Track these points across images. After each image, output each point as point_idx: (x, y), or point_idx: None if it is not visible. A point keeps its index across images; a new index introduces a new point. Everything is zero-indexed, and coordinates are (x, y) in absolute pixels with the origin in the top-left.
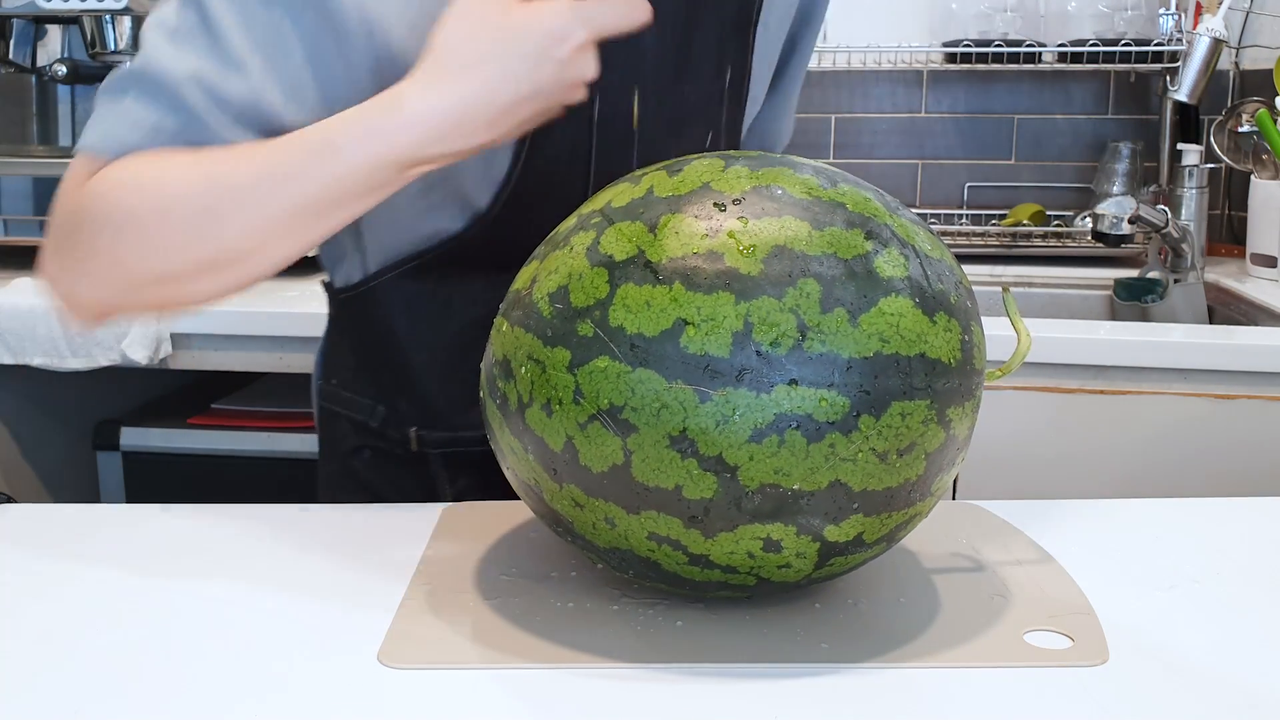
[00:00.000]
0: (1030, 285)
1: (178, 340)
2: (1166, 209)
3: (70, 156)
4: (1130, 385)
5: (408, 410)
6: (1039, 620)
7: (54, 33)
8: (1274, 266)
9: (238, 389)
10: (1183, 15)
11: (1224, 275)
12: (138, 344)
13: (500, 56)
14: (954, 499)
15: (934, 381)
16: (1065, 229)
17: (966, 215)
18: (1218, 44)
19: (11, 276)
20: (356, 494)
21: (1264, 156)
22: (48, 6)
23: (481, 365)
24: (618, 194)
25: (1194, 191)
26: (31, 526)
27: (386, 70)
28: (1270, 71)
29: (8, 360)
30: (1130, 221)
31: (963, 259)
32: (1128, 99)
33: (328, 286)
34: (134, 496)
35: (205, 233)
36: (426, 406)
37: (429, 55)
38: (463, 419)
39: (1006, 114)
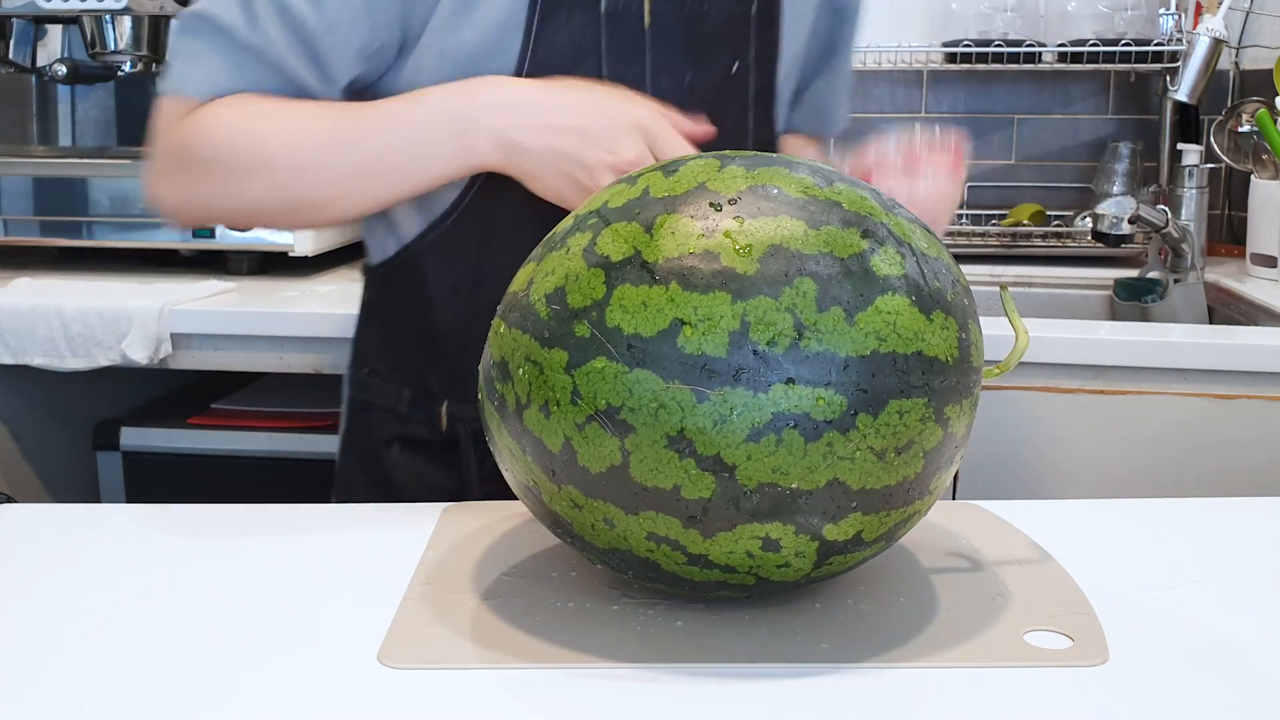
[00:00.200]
0: (1030, 285)
1: (178, 340)
2: (1166, 209)
3: (69, 156)
4: (1130, 385)
5: (439, 387)
6: (1039, 620)
7: (54, 33)
8: (1274, 266)
9: (238, 389)
10: (1183, 15)
11: (1224, 275)
12: (138, 344)
13: (584, 93)
14: (954, 499)
15: (931, 380)
16: (1065, 229)
17: (966, 215)
18: (1218, 44)
19: (11, 276)
20: (375, 492)
21: (1264, 156)
22: (48, 6)
23: (479, 367)
24: (614, 195)
25: (1194, 191)
26: (31, 526)
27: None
28: (1270, 71)
29: (8, 360)
30: (1130, 221)
31: (962, 259)
32: (1128, 99)
33: (365, 268)
34: (134, 496)
35: (293, 181)
36: (457, 381)
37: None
38: None
39: (1006, 114)
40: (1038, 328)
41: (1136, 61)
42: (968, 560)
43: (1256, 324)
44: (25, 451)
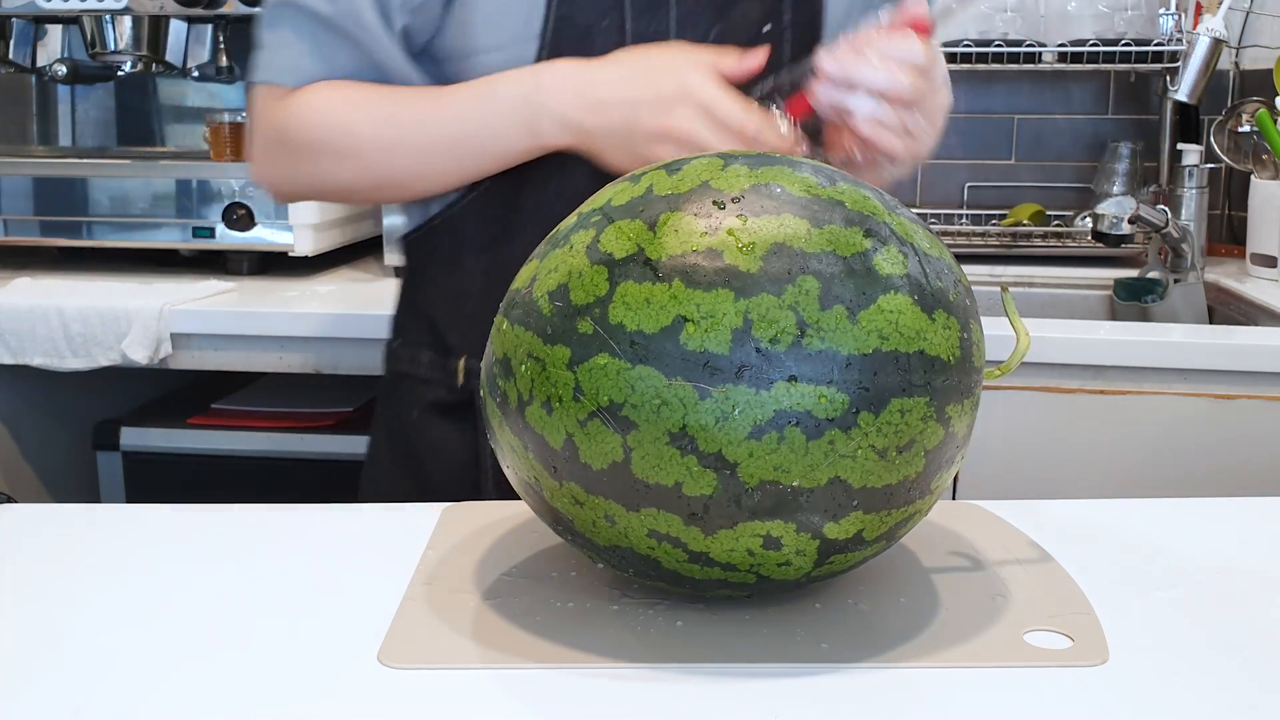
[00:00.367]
0: (1030, 285)
1: (178, 340)
2: (1166, 209)
3: (69, 156)
4: (1130, 385)
5: (457, 342)
6: (1039, 620)
7: (54, 33)
8: (1274, 266)
9: (238, 389)
10: (1183, 15)
11: (1224, 275)
12: (138, 344)
13: (632, 63)
14: (954, 498)
15: (933, 379)
16: (1065, 229)
17: (966, 215)
18: (1218, 44)
19: (11, 276)
20: (397, 464)
21: (1264, 156)
22: (48, 6)
23: (481, 364)
24: (618, 193)
25: (1194, 191)
26: (31, 526)
27: None
28: (1270, 71)
29: (8, 360)
30: (1130, 221)
31: (963, 259)
32: (1128, 99)
33: (402, 239)
34: (134, 496)
35: (380, 161)
36: (475, 335)
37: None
38: None
39: (1006, 114)
40: (1038, 328)
41: (1136, 61)
42: (968, 560)
43: (1256, 324)
44: (25, 451)
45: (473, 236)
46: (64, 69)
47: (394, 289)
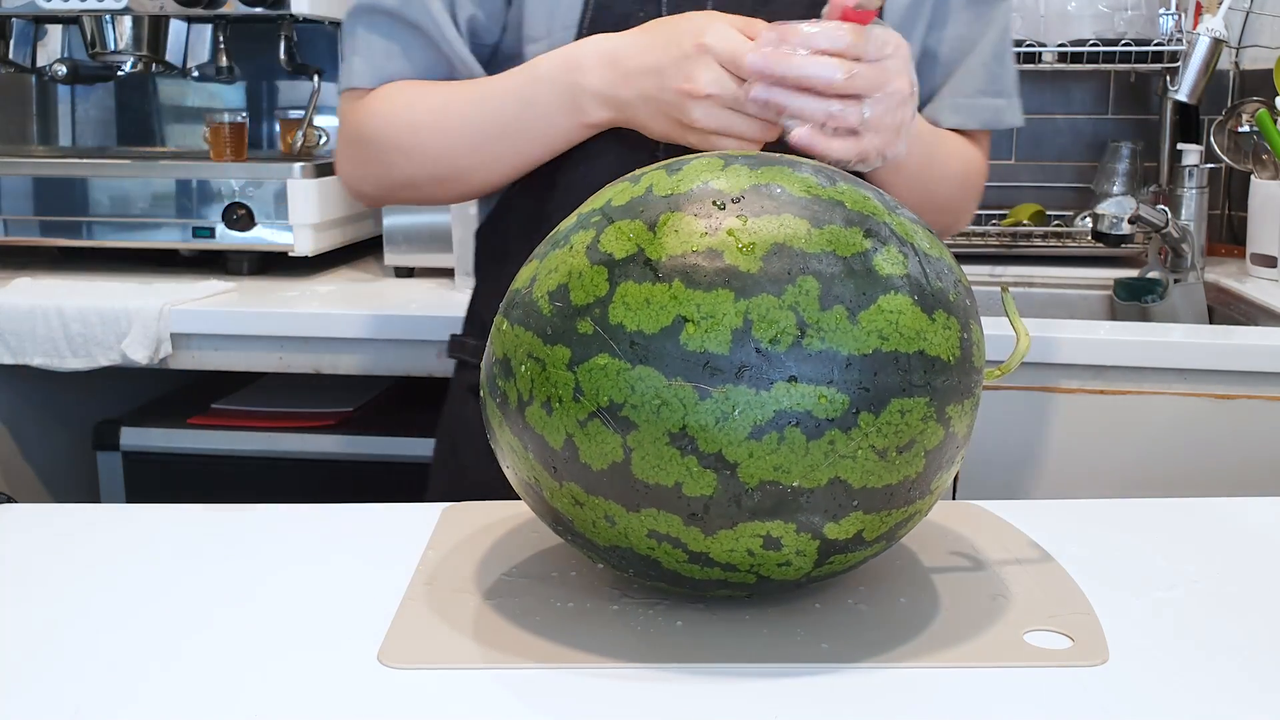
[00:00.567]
0: (1030, 285)
1: (178, 340)
2: (1166, 209)
3: (69, 156)
4: (1130, 385)
5: None
6: (1039, 620)
7: (54, 33)
8: (1274, 266)
9: (238, 389)
10: (1183, 15)
11: (1224, 275)
12: (138, 344)
13: (656, 29)
14: (954, 499)
15: (933, 379)
16: (1065, 229)
17: None
18: (1218, 44)
19: (11, 276)
20: (450, 454)
21: (1264, 156)
22: (48, 6)
23: (481, 364)
24: (617, 193)
25: (1194, 191)
26: (31, 526)
27: None
28: (1270, 71)
29: (8, 360)
30: (1130, 221)
31: (963, 259)
32: (1128, 99)
33: (477, 234)
34: (134, 496)
35: (438, 153)
36: None
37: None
38: None
39: None
40: (1038, 328)
41: (1136, 61)
42: (968, 560)
43: (1256, 324)
44: (25, 451)
45: (516, 228)
46: (64, 69)
47: (394, 289)
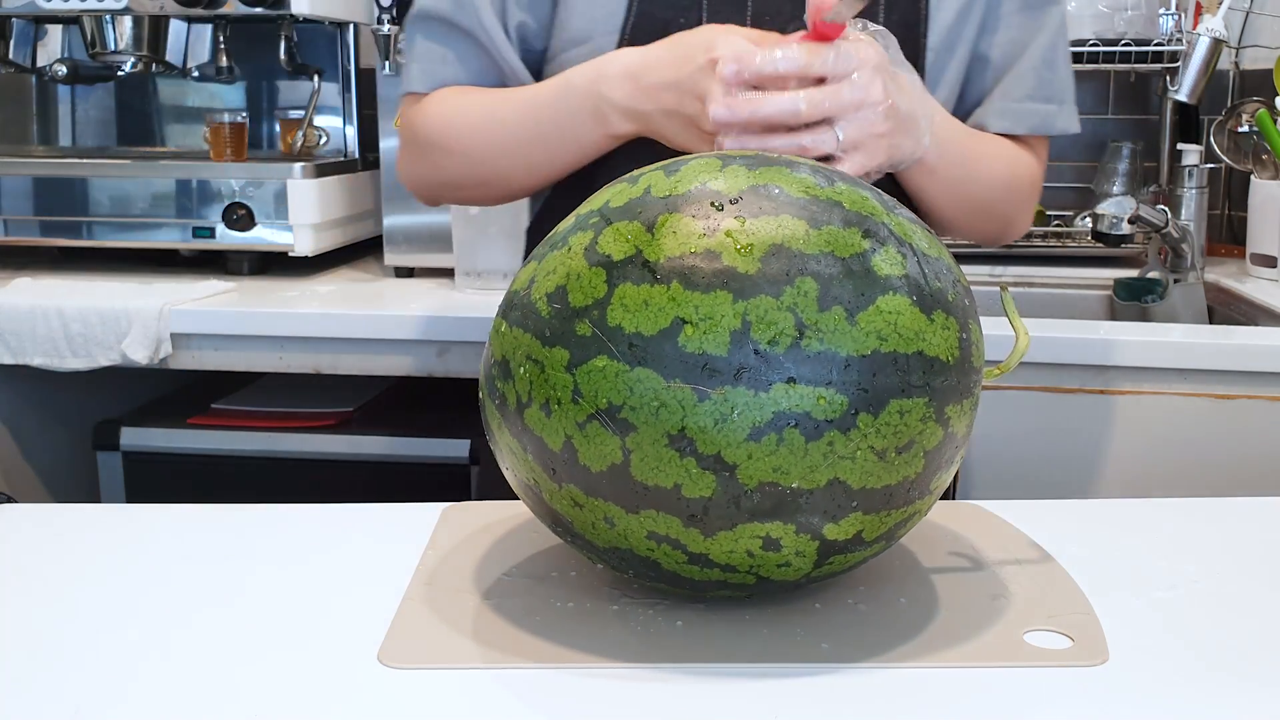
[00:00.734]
0: (1030, 285)
1: (178, 340)
2: (1166, 209)
3: (69, 156)
4: (1130, 385)
5: None
6: (1039, 620)
7: (54, 33)
8: (1274, 266)
9: (238, 389)
10: (1183, 15)
11: (1224, 275)
12: (138, 344)
13: (675, 44)
14: (954, 499)
15: (932, 379)
16: (1065, 229)
17: None
18: (1218, 44)
19: (11, 276)
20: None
21: (1264, 156)
22: (48, 6)
23: (480, 366)
24: (615, 194)
25: (1194, 191)
26: (31, 526)
27: None
28: (1270, 71)
29: (8, 360)
30: (1130, 221)
31: (962, 259)
32: (1128, 99)
33: (527, 232)
34: (134, 496)
35: (482, 157)
36: None
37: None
38: None
39: None
40: (1038, 328)
41: (1136, 61)
42: (968, 560)
43: (1256, 324)
44: (25, 451)
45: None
46: (64, 69)
47: (394, 289)
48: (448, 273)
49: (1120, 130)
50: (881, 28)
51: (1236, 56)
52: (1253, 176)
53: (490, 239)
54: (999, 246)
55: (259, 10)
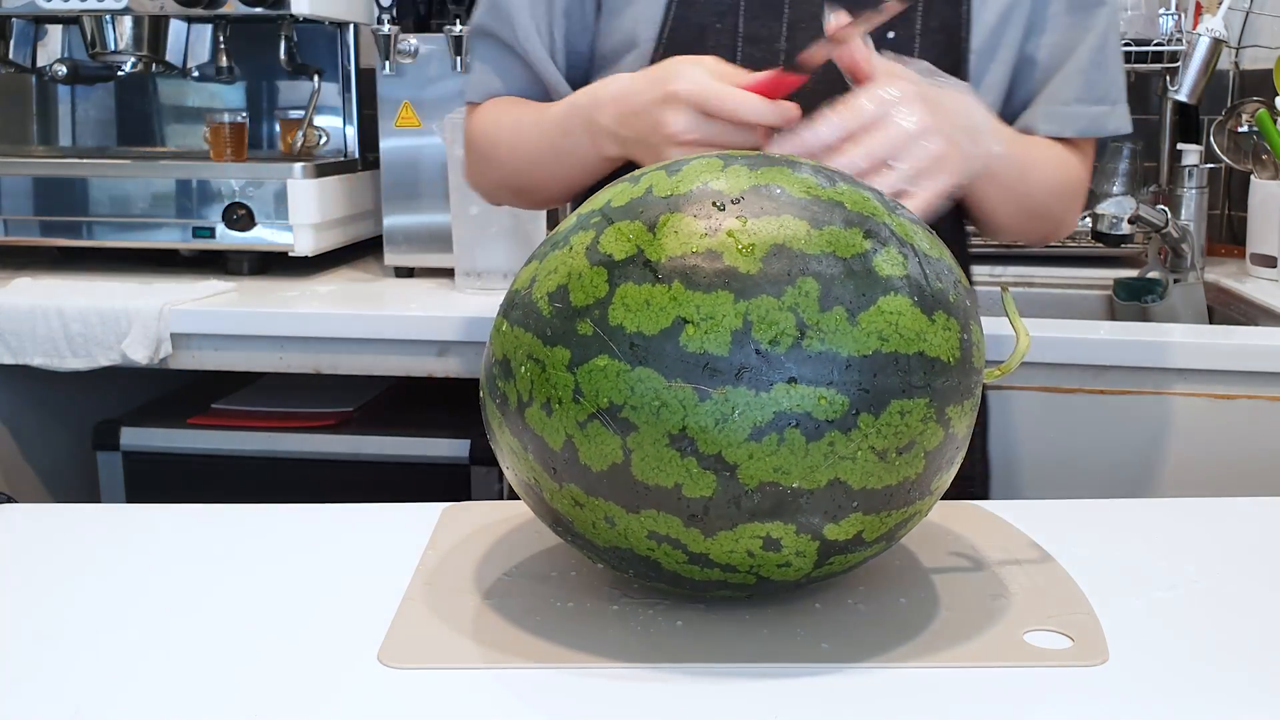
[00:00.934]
0: (1030, 285)
1: (178, 340)
2: (1166, 209)
3: (69, 156)
4: (1130, 385)
5: None
6: (1039, 620)
7: (54, 33)
8: (1274, 266)
9: (238, 389)
10: (1183, 15)
11: (1224, 275)
12: (138, 344)
13: (646, 74)
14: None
15: (933, 380)
16: None
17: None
18: (1218, 44)
19: (11, 276)
20: None
21: (1264, 156)
22: (48, 6)
23: (481, 366)
24: (617, 194)
25: (1194, 191)
26: (31, 526)
27: None
28: (1270, 71)
29: (8, 360)
30: (1130, 221)
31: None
32: (1128, 99)
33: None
34: (134, 496)
35: (512, 166)
36: None
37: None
38: None
39: None
40: (1038, 328)
41: (1136, 61)
42: (968, 560)
43: (1256, 324)
44: (25, 451)
45: None
46: (64, 69)
47: (394, 289)
48: (448, 273)
49: None
50: (907, 58)
51: (1236, 56)
52: (1253, 176)
53: (490, 239)
54: (999, 247)
55: (259, 10)
